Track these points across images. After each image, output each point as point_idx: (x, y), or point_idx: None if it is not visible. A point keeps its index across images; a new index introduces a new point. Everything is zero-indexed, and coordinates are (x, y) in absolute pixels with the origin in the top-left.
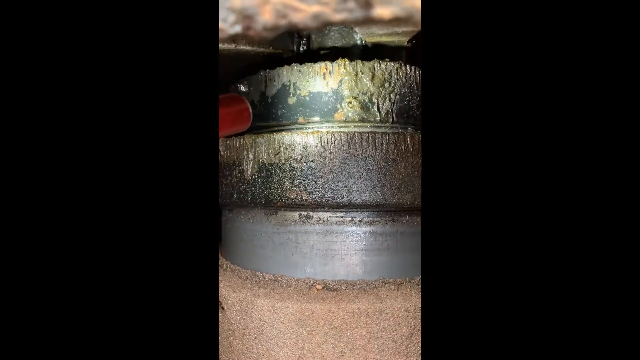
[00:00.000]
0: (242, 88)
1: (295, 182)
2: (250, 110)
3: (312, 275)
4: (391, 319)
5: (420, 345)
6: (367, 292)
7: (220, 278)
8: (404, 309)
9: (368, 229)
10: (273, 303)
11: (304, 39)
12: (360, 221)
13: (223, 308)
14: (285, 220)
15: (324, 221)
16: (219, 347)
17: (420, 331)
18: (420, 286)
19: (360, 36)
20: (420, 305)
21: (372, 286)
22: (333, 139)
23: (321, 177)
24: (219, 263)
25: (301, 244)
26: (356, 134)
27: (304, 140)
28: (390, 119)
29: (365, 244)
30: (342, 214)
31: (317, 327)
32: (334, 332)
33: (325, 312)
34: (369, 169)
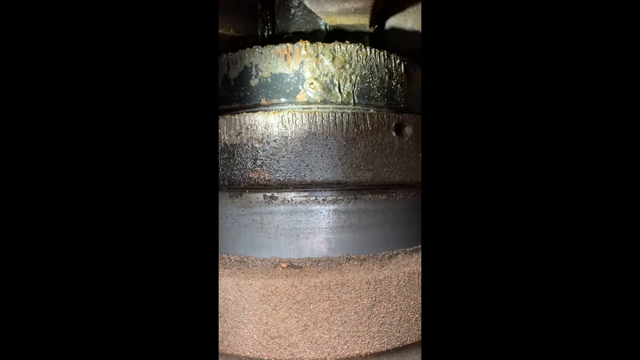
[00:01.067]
0: None
1: (258, 162)
2: None
3: (277, 254)
4: (352, 292)
5: (382, 316)
6: (330, 268)
7: None
8: (365, 281)
9: (332, 207)
10: (237, 281)
11: (269, 24)
12: (324, 200)
13: None
14: (250, 202)
15: (288, 201)
16: None
17: (380, 302)
18: (382, 261)
19: (324, 21)
20: (381, 278)
21: (336, 262)
22: (294, 118)
23: (283, 157)
24: None
25: (266, 225)
26: (317, 113)
27: (265, 120)
28: (352, 101)
29: (329, 222)
30: (306, 194)
31: (280, 302)
32: (298, 307)
33: (288, 287)
34: (330, 148)
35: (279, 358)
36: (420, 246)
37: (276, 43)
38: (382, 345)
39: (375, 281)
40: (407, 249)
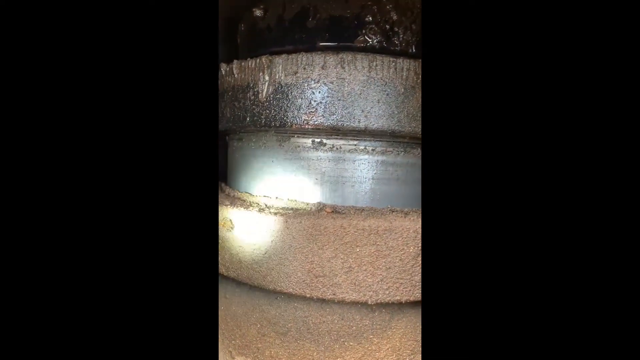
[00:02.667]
0: (257, 13)
1: (313, 103)
2: None
3: (322, 200)
4: (399, 239)
5: None
6: (375, 216)
7: (228, 204)
8: (412, 229)
9: (379, 158)
10: (285, 219)
11: None
12: (372, 150)
13: (233, 227)
14: (298, 147)
15: (336, 149)
16: (228, 265)
17: None
18: None
19: None
20: None
21: (380, 213)
22: (354, 60)
23: (339, 100)
24: (226, 193)
25: (313, 171)
26: (377, 57)
27: (323, 60)
28: (410, 50)
29: (375, 173)
30: (355, 142)
31: (328, 242)
32: (344, 248)
33: (337, 228)
34: (387, 95)
35: (321, 297)
36: None
37: None
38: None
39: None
40: None
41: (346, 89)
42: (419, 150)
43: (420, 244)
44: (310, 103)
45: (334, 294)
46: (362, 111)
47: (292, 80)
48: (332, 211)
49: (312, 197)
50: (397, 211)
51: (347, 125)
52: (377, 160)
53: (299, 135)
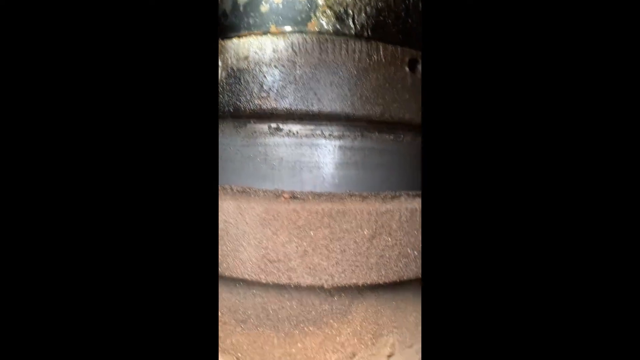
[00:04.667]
0: None
1: (265, 87)
2: None
3: (280, 187)
4: (353, 221)
5: (381, 248)
6: (332, 201)
7: None
8: (366, 211)
9: (337, 142)
10: (238, 204)
11: None
12: (330, 135)
13: None
14: (255, 133)
15: (293, 134)
16: None
17: (380, 235)
18: (384, 199)
19: None
20: (383, 210)
21: (339, 197)
22: (305, 43)
23: (291, 83)
24: None
25: (270, 157)
26: (328, 40)
27: (274, 43)
28: (365, 34)
29: (333, 158)
30: (312, 127)
31: (281, 227)
32: (298, 232)
33: (290, 212)
34: (340, 77)
35: (276, 282)
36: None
37: None
38: (380, 277)
39: (377, 213)
40: (411, 193)
41: (298, 71)
42: (377, 134)
43: (374, 227)
44: (263, 87)
45: (289, 279)
46: (315, 94)
47: (244, 65)
48: (290, 197)
49: (271, 184)
50: (355, 195)
51: (300, 109)
52: (335, 145)
53: (255, 121)
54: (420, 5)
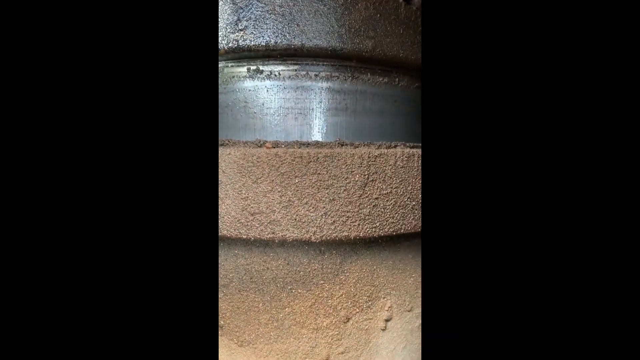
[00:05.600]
0: None
1: (242, 22)
2: None
3: (262, 137)
4: (343, 166)
5: (374, 197)
6: (317, 146)
7: None
8: (357, 155)
9: (325, 84)
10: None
11: None
12: (316, 75)
13: None
14: (233, 78)
15: (275, 75)
16: None
17: (374, 182)
18: (379, 149)
19: None
20: (376, 154)
21: (328, 147)
22: None
23: (270, 13)
24: None
25: (250, 104)
26: None
27: None
28: None
29: (321, 102)
30: (296, 67)
31: (262, 174)
32: (281, 180)
33: (271, 157)
34: (325, 5)
35: (258, 237)
36: (421, 144)
37: None
38: (374, 229)
39: (369, 157)
40: (408, 144)
41: (278, 1)
42: (369, 75)
43: (366, 173)
44: (240, 21)
45: (273, 233)
46: (298, 25)
47: None
48: (273, 147)
49: (252, 135)
50: (346, 145)
51: (281, 43)
52: (322, 87)
53: (233, 64)
54: None
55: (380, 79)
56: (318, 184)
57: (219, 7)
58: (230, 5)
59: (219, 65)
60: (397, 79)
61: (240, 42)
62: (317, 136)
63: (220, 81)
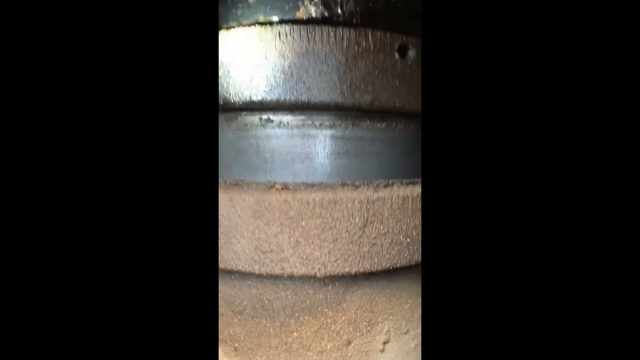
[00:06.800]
0: None
1: (254, 80)
2: None
3: (272, 179)
4: (345, 210)
5: (373, 237)
6: (325, 191)
7: None
8: (357, 200)
9: (328, 132)
10: (230, 197)
11: None
12: (321, 125)
13: None
14: (246, 125)
15: (284, 125)
16: None
17: (372, 223)
18: (377, 188)
19: None
20: (374, 199)
21: (331, 187)
22: (292, 32)
23: (280, 73)
24: None
25: (262, 149)
26: (315, 28)
27: (260, 34)
28: (354, 21)
29: (325, 148)
30: (303, 117)
31: (273, 217)
32: (290, 222)
33: (281, 202)
34: (329, 66)
35: (270, 272)
36: (418, 179)
37: None
38: (372, 265)
39: (368, 201)
40: (404, 181)
41: (286, 62)
42: (368, 122)
43: (366, 215)
44: (252, 80)
45: (282, 269)
46: (304, 84)
47: (233, 57)
48: (283, 188)
49: (263, 176)
50: (347, 184)
51: (290, 99)
52: (326, 135)
53: (246, 113)
54: None
55: (379, 125)
56: (322, 226)
57: (234, 67)
58: (245, 65)
59: (234, 114)
60: (394, 123)
61: (253, 97)
62: (321, 177)
63: (235, 128)
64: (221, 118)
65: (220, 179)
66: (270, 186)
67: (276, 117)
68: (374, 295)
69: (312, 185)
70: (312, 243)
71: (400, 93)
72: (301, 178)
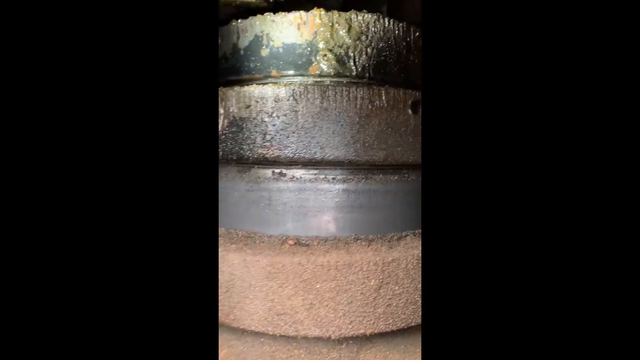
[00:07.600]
0: None
1: (267, 137)
2: None
3: (284, 232)
4: (360, 273)
5: (388, 297)
6: (338, 247)
7: None
8: (372, 262)
9: (341, 186)
10: (244, 257)
11: None
12: (333, 179)
13: None
14: (259, 178)
15: (297, 179)
16: None
17: (387, 284)
18: (390, 242)
19: None
20: (389, 260)
21: (344, 242)
22: (306, 92)
23: (293, 133)
24: None
25: (274, 202)
26: (329, 87)
27: (275, 93)
28: (367, 75)
29: (337, 202)
30: (315, 172)
31: (287, 280)
32: (304, 285)
33: (295, 265)
34: (342, 125)
35: (283, 334)
36: None
37: (289, 10)
38: (387, 326)
39: (383, 263)
40: (416, 231)
41: (300, 120)
42: (381, 176)
43: (380, 277)
44: (265, 137)
45: (296, 331)
46: (318, 143)
47: (246, 114)
48: (295, 243)
49: (275, 229)
50: (361, 239)
51: (303, 157)
52: (339, 189)
53: (259, 167)
54: (421, 40)
55: (391, 177)
56: (337, 288)
57: (248, 122)
58: (258, 122)
59: (247, 166)
60: (406, 175)
61: (267, 155)
62: (334, 231)
63: (247, 180)
64: (233, 170)
65: (232, 230)
66: (283, 241)
67: (289, 171)
68: (388, 352)
69: (325, 240)
70: (327, 306)
71: (414, 148)
72: (314, 232)
